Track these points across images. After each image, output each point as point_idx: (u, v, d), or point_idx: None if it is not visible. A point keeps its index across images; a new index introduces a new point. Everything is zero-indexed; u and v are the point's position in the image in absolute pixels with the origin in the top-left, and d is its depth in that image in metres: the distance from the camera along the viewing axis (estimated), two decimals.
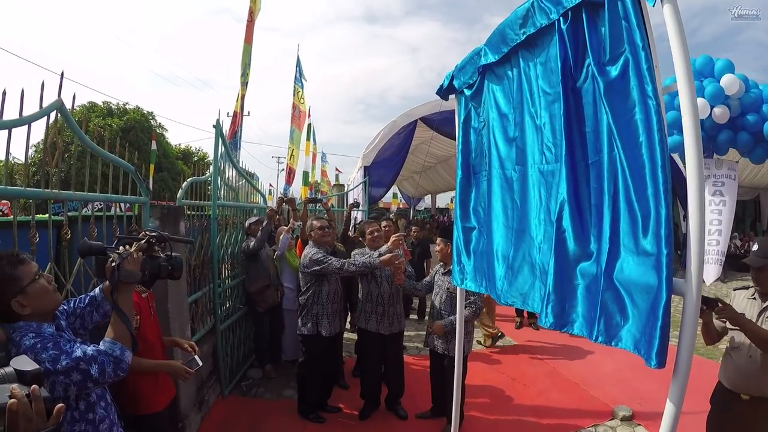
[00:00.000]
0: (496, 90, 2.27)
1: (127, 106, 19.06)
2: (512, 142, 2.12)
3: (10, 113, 1.93)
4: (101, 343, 1.57)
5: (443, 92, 2.82)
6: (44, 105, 2.10)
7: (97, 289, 1.87)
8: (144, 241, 1.83)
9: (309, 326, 3.77)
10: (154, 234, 1.91)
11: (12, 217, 2.24)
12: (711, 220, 5.58)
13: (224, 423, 3.84)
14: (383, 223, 5.20)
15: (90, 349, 1.52)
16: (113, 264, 1.67)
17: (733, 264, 9.30)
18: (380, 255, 3.60)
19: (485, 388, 4.64)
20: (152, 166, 13.95)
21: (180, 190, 3.77)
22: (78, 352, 1.48)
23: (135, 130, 17.50)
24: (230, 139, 5.97)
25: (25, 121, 2.02)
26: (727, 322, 2.37)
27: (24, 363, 1.07)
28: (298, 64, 9.74)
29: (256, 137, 64.68)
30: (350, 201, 9.14)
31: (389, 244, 3.60)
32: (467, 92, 2.57)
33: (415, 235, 7.83)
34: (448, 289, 3.68)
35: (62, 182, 2.30)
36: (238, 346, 4.77)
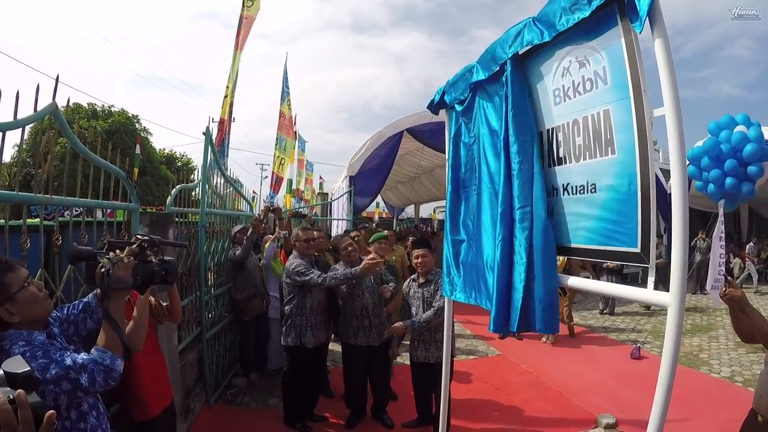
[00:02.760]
0: (487, 107, 2.33)
1: (112, 109, 18.81)
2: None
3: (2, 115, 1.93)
4: (91, 352, 1.55)
5: (434, 107, 2.86)
6: (38, 108, 2.09)
7: (90, 295, 1.84)
8: (136, 245, 1.78)
9: (293, 336, 3.76)
10: (145, 238, 1.85)
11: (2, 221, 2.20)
12: (721, 254, 6.07)
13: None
14: (352, 233, 5.23)
15: (80, 358, 1.49)
16: (103, 270, 1.62)
17: None
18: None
19: (470, 397, 4.68)
20: (136, 170, 13.78)
21: (169, 197, 3.74)
22: (68, 361, 1.45)
23: (120, 133, 17.27)
24: (218, 147, 5.93)
25: (20, 124, 2.01)
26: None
27: (15, 364, 0.97)
28: (285, 72, 9.75)
29: (240, 143, 64.40)
30: (334, 210, 9.14)
31: (361, 267, 3.57)
32: (458, 108, 2.62)
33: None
34: (421, 296, 3.69)
35: (46, 184, 2.26)
36: (224, 354, 4.73)
